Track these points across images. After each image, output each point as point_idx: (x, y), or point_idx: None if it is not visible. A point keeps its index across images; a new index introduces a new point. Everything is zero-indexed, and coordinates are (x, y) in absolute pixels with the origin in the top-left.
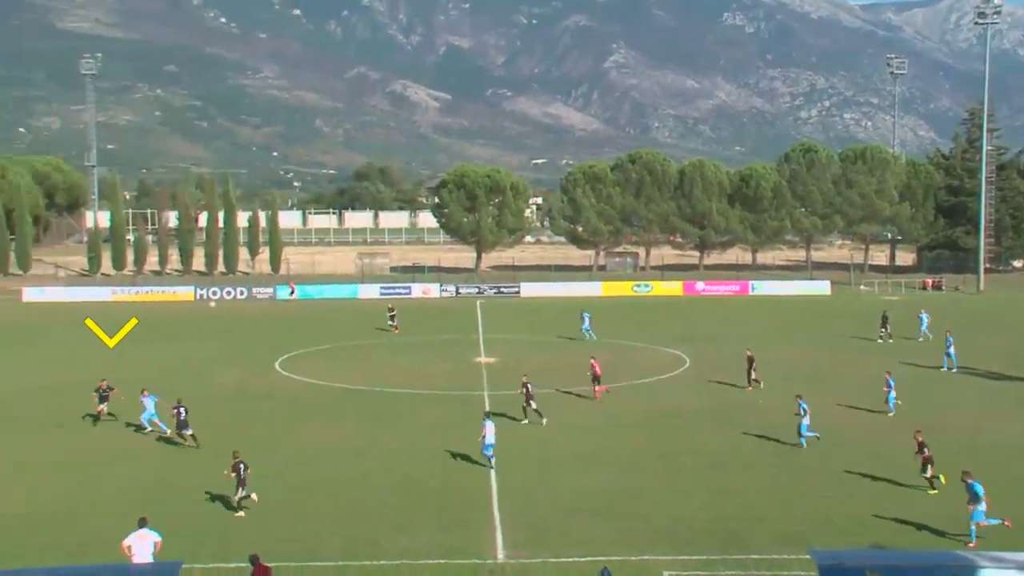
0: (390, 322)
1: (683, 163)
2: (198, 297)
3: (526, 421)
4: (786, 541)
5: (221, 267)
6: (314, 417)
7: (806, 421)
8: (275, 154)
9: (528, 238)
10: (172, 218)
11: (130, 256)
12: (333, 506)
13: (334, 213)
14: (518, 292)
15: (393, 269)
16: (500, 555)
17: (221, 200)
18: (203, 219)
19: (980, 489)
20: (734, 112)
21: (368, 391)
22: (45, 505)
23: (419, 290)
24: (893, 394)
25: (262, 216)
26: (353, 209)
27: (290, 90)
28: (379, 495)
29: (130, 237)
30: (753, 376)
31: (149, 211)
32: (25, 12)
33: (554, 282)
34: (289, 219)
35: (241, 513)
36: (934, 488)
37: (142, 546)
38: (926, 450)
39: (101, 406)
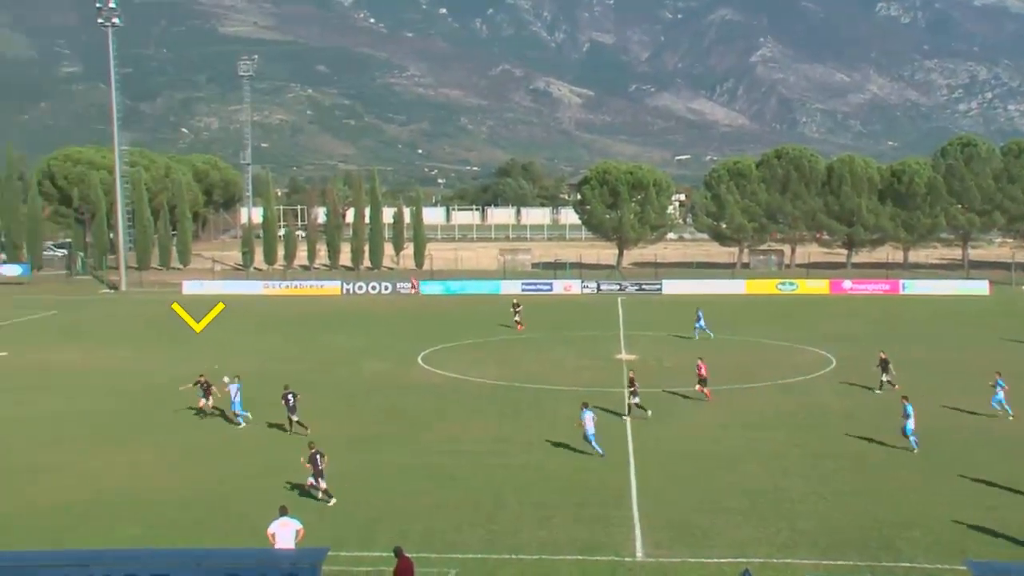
0: (515, 318)
1: (831, 159)
2: (344, 291)
3: (626, 417)
4: (940, 550)
5: (367, 262)
6: (455, 411)
7: (911, 424)
8: (420, 151)
9: (670, 235)
10: (321, 214)
11: (281, 251)
12: (474, 499)
13: (477, 210)
14: (660, 289)
15: (535, 265)
16: (639, 553)
17: (368, 197)
18: (350, 215)
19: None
20: (887, 106)
21: (508, 386)
22: (203, 490)
23: (560, 286)
24: (1001, 395)
25: (407, 212)
26: (496, 206)
27: (436, 88)
28: (519, 490)
29: (281, 233)
30: (887, 378)
31: (299, 207)
32: (190, 19)
33: (696, 279)
34: (433, 215)
35: (333, 500)
36: None
37: (284, 533)
38: None
39: (203, 400)
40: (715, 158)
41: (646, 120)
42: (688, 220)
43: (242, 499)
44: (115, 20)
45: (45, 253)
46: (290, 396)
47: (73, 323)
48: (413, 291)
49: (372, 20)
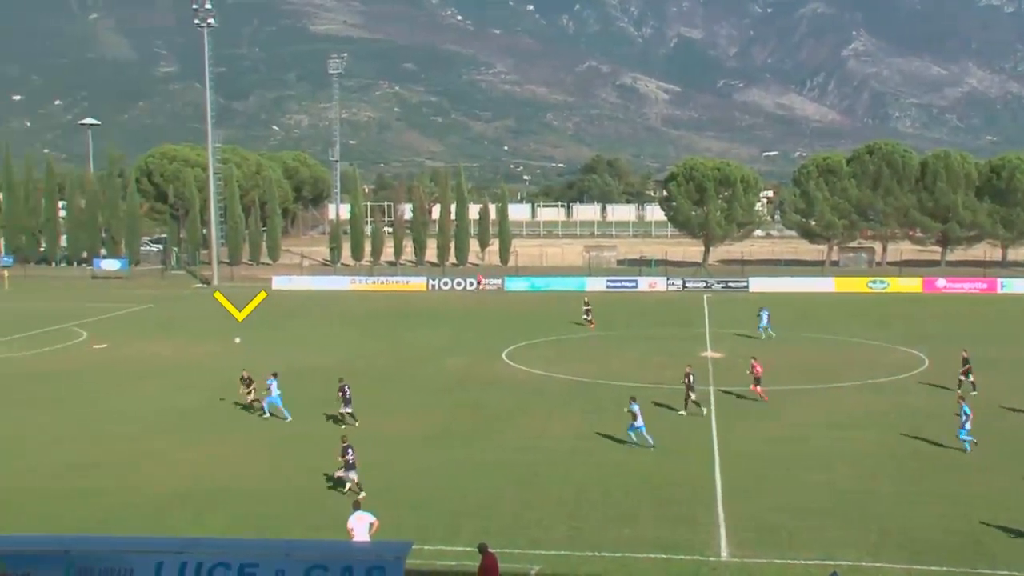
0: (585, 316)
1: (926, 154)
2: (430, 287)
3: (682, 412)
4: None
5: (452, 258)
6: (538, 407)
7: (967, 425)
8: (506, 148)
9: (758, 232)
10: (407, 210)
11: (368, 247)
12: (557, 495)
13: (562, 206)
14: (746, 287)
15: (620, 262)
16: (723, 553)
17: (454, 193)
18: (436, 212)
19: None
20: (986, 99)
21: (592, 383)
22: (289, 483)
23: (645, 283)
24: None
25: (492, 209)
26: (581, 202)
27: (522, 84)
28: (603, 487)
29: (368, 229)
30: (968, 379)
31: (386, 203)
32: (281, 19)
33: (784, 277)
34: (518, 212)
35: (363, 494)
36: None
37: (360, 527)
38: None
39: (250, 394)
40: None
41: (734, 116)
42: (776, 217)
43: (327, 492)
44: (210, 21)
45: (142, 248)
46: (346, 388)
47: (168, 317)
48: (480, 288)
49: (459, 18)
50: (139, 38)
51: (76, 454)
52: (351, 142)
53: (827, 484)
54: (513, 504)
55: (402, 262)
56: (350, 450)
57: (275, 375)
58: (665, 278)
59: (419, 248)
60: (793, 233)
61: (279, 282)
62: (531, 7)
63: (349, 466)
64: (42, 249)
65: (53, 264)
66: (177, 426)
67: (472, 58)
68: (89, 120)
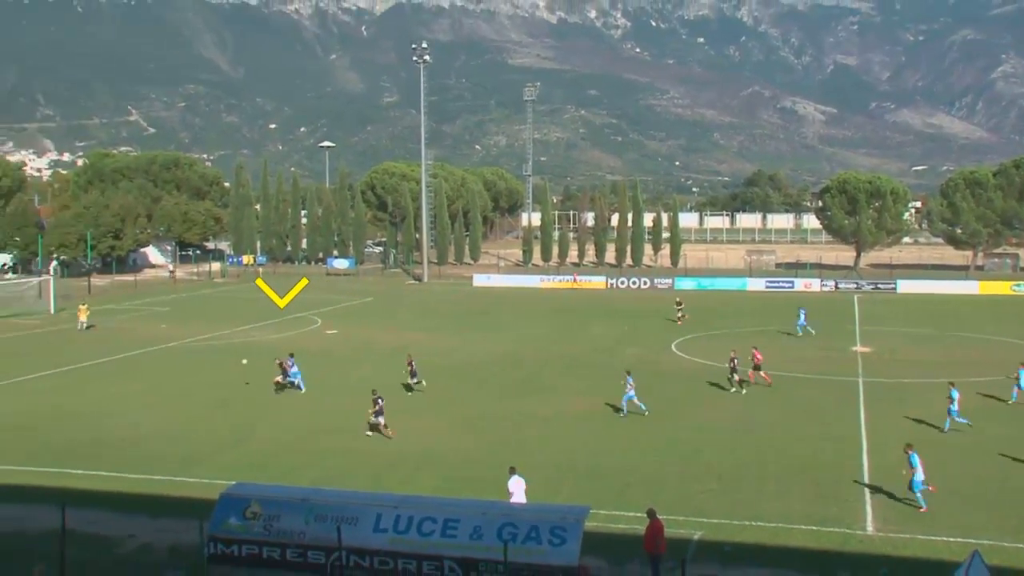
0: (678, 314)
1: None
2: (609, 286)
3: (734, 390)
4: None
5: (629, 260)
6: (702, 393)
7: (955, 407)
8: (677, 163)
9: (906, 239)
10: (590, 218)
11: (555, 250)
12: (718, 470)
13: (727, 215)
14: (895, 288)
15: (778, 265)
16: (869, 527)
17: (630, 203)
18: (615, 219)
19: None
20: None
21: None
22: (488, 450)
23: (801, 284)
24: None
25: (664, 217)
26: (744, 211)
27: (692, 108)
28: (759, 465)
29: (556, 234)
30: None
31: (571, 212)
32: (485, 54)
33: (930, 280)
34: (688, 220)
35: (391, 431)
36: None
37: (518, 489)
38: None
39: (278, 377)
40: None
41: (885, 135)
42: (923, 225)
43: (518, 459)
44: (426, 58)
45: (366, 250)
46: (412, 363)
47: (386, 308)
48: (574, 285)
49: (638, 50)
50: (368, 74)
51: (314, 421)
52: (542, 159)
53: (969, 470)
54: (679, 477)
55: (585, 263)
56: (380, 400)
57: (292, 355)
58: (819, 279)
59: (600, 251)
60: (940, 240)
61: (479, 279)
62: (701, 40)
63: (378, 412)
64: (288, 249)
65: (296, 262)
66: (394, 400)
67: (648, 85)
68: (327, 143)
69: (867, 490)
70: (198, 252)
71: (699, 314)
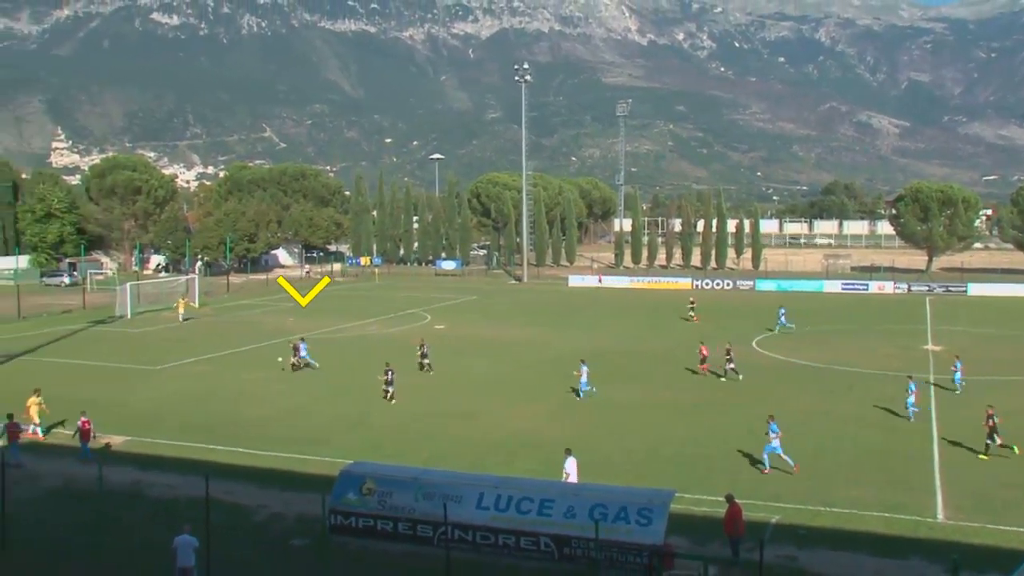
0: (690, 312)
1: None
2: (694, 286)
3: (724, 379)
4: None
5: (713, 263)
6: (780, 386)
7: (912, 399)
8: (759, 174)
9: (977, 245)
10: (677, 224)
11: (644, 253)
12: (795, 459)
13: (805, 221)
14: (965, 291)
15: (853, 268)
16: (940, 515)
17: (715, 210)
18: (700, 225)
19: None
20: None
21: (827, 368)
22: (574, 436)
23: (875, 286)
24: (959, 375)
25: (746, 223)
26: (821, 218)
27: (772, 122)
28: (834, 454)
29: (645, 239)
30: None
31: (659, 218)
32: (581, 74)
33: (1000, 283)
34: (768, 226)
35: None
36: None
37: (573, 469)
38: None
39: (293, 359)
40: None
41: (957, 146)
42: (994, 232)
43: (609, 445)
44: (527, 78)
45: (471, 252)
46: (426, 348)
47: (489, 306)
48: (599, 284)
49: (722, 69)
50: (474, 92)
51: (426, 406)
52: (633, 169)
53: None
54: (757, 463)
55: (672, 266)
56: (391, 372)
57: (303, 339)
58: (892, 282)
59: (686, 254)
60: (1010, 246)
61: (574, 280)
62: (782, 59)
63: (389, 382)
64: (400, 252)
65: (407, 264)
66: (495, 390)
67: (732, 101)
68: (436, 155)
69: (937, 479)
70: (321, 254)
71: (776, 313)
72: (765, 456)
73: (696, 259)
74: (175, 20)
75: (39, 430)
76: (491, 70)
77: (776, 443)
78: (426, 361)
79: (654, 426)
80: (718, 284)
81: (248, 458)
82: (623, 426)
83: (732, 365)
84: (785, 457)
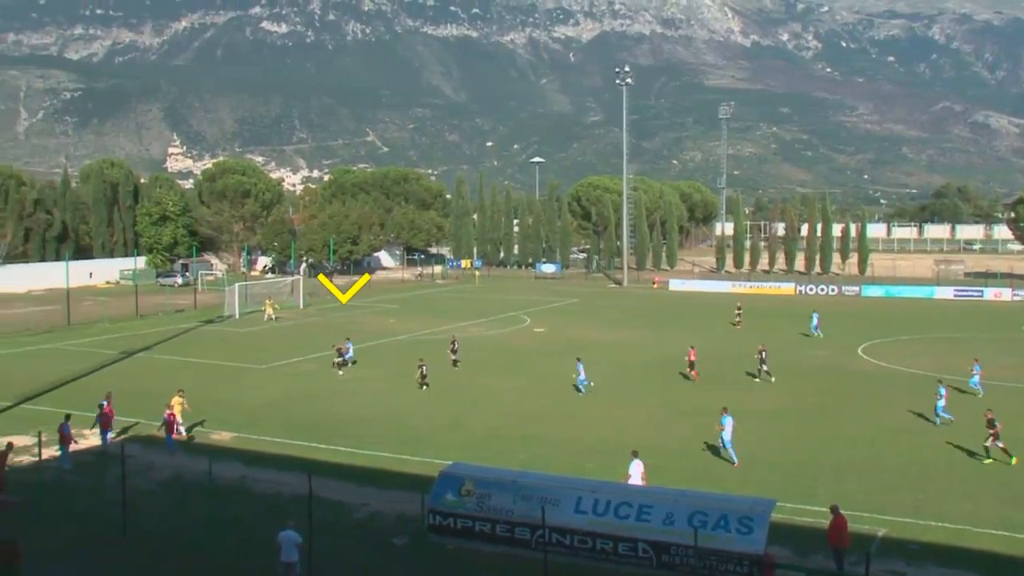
0: (736, 319)
1: None
2: (797, 292)
3: (758, 380)
4: None
5: (818, 268)
6: (887, 394)
7: (942, 403)
8: (866, 177)
9: None
10: (779, 228)
11: (747, 258)
12: (903, 469)
13: (915, 226)
14: None
15: (967, 274)
16: None
17: (820, 214)
18: (804, 229)
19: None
20: None
21: (936, 377)
22: (681, 443)
23: (990, 293)
24: (976, 378)
25: (852, 227)
26: (932, 222)
27: (881, 123)
28: (946, 465)
29: (747, 243)
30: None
31: (763, 222)
32: (683, 76)
33: None
34: (875, 230)
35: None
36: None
37: (636, 472)
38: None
39: (337, 360)
40: None
41: None
42: None
43: (710, 452)
44: (628, 81)
45: (571, 256)
46: (456, 343)
47: (589, 309)
48: (656, 286)
49: (828, 70)
50: (575, 96)
51: (526, 408)
52: (735, 172)
53: None
54: (862, 473)
55: (775, 271)
56: (424, 367)
57: (348, 339)
58: (1010, 289)
59: (789, 259)
60: None
61: (674, 284)
62: (891, 58)
63: (423, 376)
64: (500, 255)
65: (507, 266)
66: (594, 393)
67: (838, 102)
68: (537, 158)
69: None
70: (422, 256)
71: (886, 321)
72: (731, 451)
73: (800, 264)
74: (283, 28)
75: (182, 429)
76: (592, 73)
77: (726, 434)
78: (455, 357)
79: (756, 433)
80: (822, 289)
81: (349, 457)
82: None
83: (765, 367)
84: (730, 450)
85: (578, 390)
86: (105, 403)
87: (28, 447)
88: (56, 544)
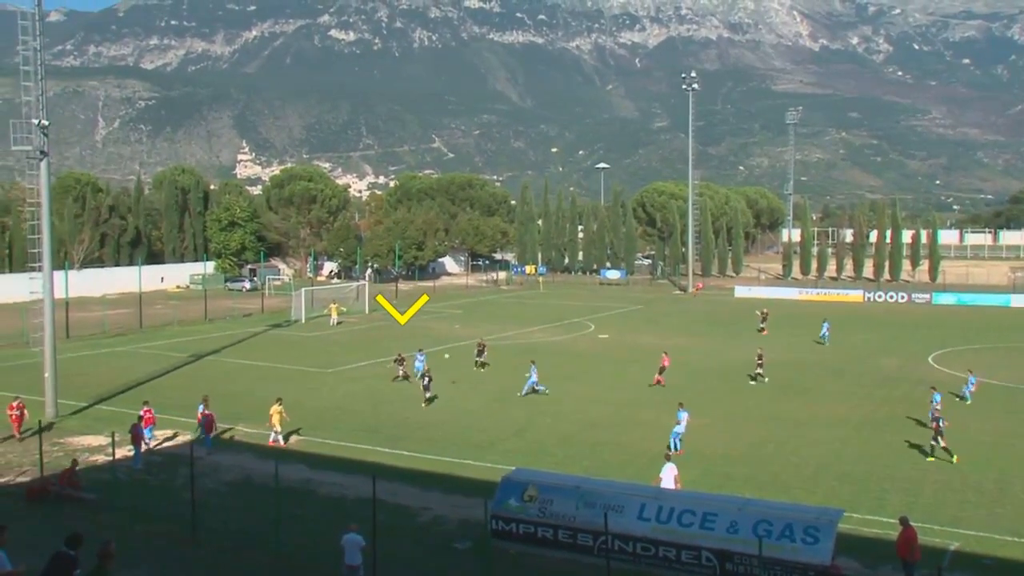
0: (761, 324)
1: None
2: (866, 299)
3: (753, 383)
4: None
5: (887, 275)
6: (960, 404)
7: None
8: (937, 182)
9: None
10: (848, 235)
11: (814, 264)
12: (978, 482)
13: (989, 232)
14: None
15: None
16: None
17: (889, 220)
18: (873, 236)
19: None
20: None
21: (1014, 388)
22: (746, 450)
23: None
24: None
25: (923, 234)
26: (1008, 228)
27: (954, 127)
28: (1020, 479)
29: (815, 250)
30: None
31: (830, 229)
32: (750, 81)
33: None
34: (947, 236)
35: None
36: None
37: (668, 476)
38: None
39: (401, 369)
40: None
41: None
42: None
43: (777, 460)
44: (695, 86)
45: (636, 262)
46: (484, 348)
47: (654, 315)
48: (696, 292)
49: (900, 73)
50: (641, 101)
51: (590, 414)
52: (802, 178)
53: None
54: (936, 485)
55: (843, 278)
56: (428, 379)
57: (421, 349)
58: None
59: (858, 266)
60: None
61: (740, 291)
62: (967, 60)
63: (427, 387)
64: (565, 261)
65: (572, 273)
66: (658, 399)
67: (910, 106)
68: (602, 164)
69: None
70: (487, 262)
71: (958, 329)
72: (675, 441)
73: (868, 271)
74: (351, 36)
75: (279, 437)
76: (658, 78)
77: (680, 428)
78: (480, 359)
79: (824, 441)
80: (891, 297)
81: (412, 461)
82: (792, 439)
83: (760, 371)
84: (677, 441)
85: (534, 391)
86: (202, 407)
87: (103, 446)
88: (127, 542)
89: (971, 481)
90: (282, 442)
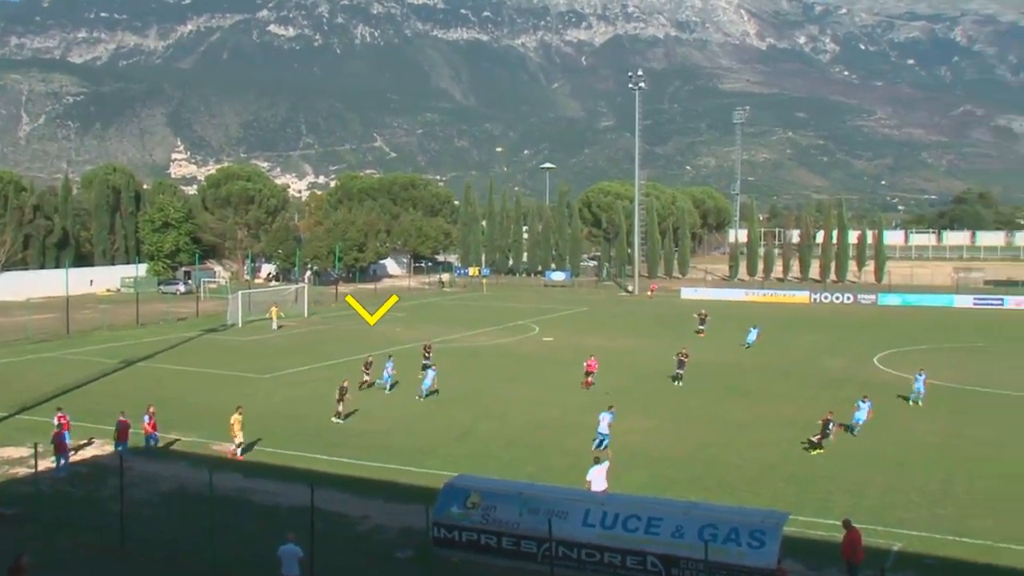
0: (700, 326)
1: None
2: (812, 300)
3: (678, 384)
4: None
5: (833, 276)
6: (906, 406)
7: (861, 415)
8: (883, 182)
9: None
10: (794, 235)
11: (760, 265)
12: (922, 484)
13: (933, 232)
14: None
15: (987, 283)
16: None
17: (835, 221)
18: (819, 237)
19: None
20: None
21: (958, 388)
22: (691, 452)
23: (1012, 302)
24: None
25: (869, 234)
26: (951, 229)
27: (899, 128)
28: (967, 480)
29: (761, 250)
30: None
31: (777, 229)
32: (697, 80)
33: None
34: (893, 237)
35: (341, 422)
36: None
37: (598, 478)
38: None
39: (367, 376)
40: None
41: None
42: None
43: (722, 462)
44: (641, 85)
45: (582, 264)
46: (430, 350)
47: (600, 317)
48: (651, 295)
49: (846, 73)
50: (587, 100)
51: (536, 416)
52: (749, 178)
53: None
54: (880, 488)
55: (789, 278)
56: (345, 388)
57: (391, 356)
58: None
59: (804, 267)
60: None
61: (686, 292)
62: (911, 61)
63: (341, 400)
64: (510, 262)
65: (516, 274)
66: (605, 402)
67: (856, 107)
68: (547, 164)
69: None
70: (429, 264)
71: (903, 330)
72: (595, 441)
73: (815, 272)
74: (291, 32)
75: (238, 450)
76: (604, 77)
77: (602, 428)
78: (426, 361)
79: (770, 443)
80: (838, 298)
81: (351, 468)
82: (736, 441)
83: (681, 371)
84: (603, 442)
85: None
86: (147, 417)
87: (24, 458)
88: (51, 555)
89: (916, 482)
90: (239, 454)
